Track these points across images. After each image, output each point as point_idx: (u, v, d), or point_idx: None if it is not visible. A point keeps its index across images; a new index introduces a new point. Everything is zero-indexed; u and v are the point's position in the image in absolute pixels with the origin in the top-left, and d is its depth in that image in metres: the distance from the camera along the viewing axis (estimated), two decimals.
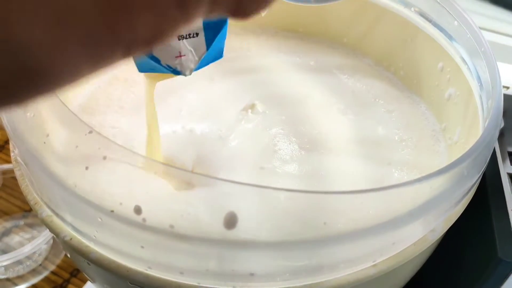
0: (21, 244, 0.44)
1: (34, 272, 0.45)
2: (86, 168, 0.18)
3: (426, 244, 0.20)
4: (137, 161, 0.17)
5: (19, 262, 0.45)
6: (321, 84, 0.34)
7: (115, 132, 0.29)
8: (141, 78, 0.34)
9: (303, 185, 0.25)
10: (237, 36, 0.38)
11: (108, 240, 0.18)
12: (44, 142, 0.19)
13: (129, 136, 0.28)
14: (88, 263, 0.20)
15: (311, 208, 0.17)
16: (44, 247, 0.46)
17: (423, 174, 0.28)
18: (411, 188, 0.17)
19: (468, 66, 0.27)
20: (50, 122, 0.19)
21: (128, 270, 0.19)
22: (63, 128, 0.19)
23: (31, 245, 0.43)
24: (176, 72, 0.20)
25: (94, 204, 0.17)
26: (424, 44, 0.30)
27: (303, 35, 0.38)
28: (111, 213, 0.17)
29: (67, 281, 0.45)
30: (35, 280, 0.44)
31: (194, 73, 0.35)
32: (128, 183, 0.17)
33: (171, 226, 0.17)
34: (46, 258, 0.46)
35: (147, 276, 0.18)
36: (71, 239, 0.20)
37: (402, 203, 0.18)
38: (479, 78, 0.25)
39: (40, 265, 0.46)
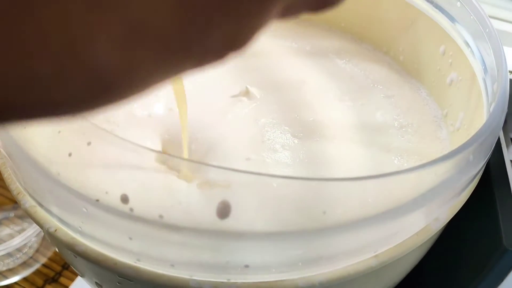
0: (11, 237, 0.43)
1: (25, 265, 0.44)
2: (70, 154, 0.17)
3: (429, 233, 0.19)
4: (124, 147, 0.16)
5: (9, 255, 0.43)
6: (318, 69, 0.32)
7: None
8: None
9: (296, 175, 0.24)
10: None
11: (95, 232, 0.17)
12: (25, 128, 0.18)
13: (124, 130, 0.27)
14: (74, 255, 0.19)
15: (309, 196, 0.16)
16: (35, 239, 0.45)
17: (424, 161, 0.27)
18: (415, 175, 0.16)
19: (471, 49, 0.26)
20: None
21: (116, 262, 0.18)
22: None
23: (21, 237, 0.42)
24: None
25: (78, 193, 0.16)
26: (425, 27, 0.29)
27: (300, 19, 0.37)
28: (96, 202, 0.16)
29: (59, 273, 0.44)
30: (26, 273, 0.43)
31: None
32: (114, 171, 0.16)
33: (161, 216, 0.16)
34: (37, 251, 0.45)
35: (136, 269, 0.17)
36: (56, 230, 0.19)
37: (404, 191, 0.17)
38: (483, 61, 0.24)
39: (31, 257, 0.45)
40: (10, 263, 0.44)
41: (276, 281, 0.17)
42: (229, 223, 0.16)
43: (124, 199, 0.16)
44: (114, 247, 0.17)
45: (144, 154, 0.16)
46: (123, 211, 0.16)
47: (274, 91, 0.29)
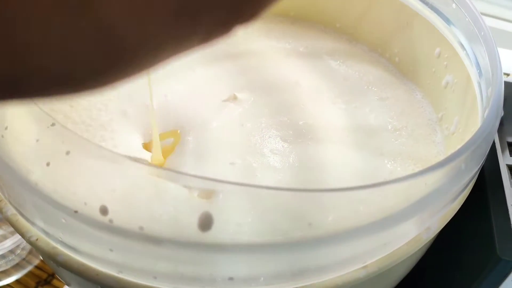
0: (4, 238, 0.43)
1: (17, 266, 0.43)
2: (47, 164, 0.16)
3: (420, 243, 0.18)
4: (103, 156, 0.15)
5: (2, 257, 0.43)
6: (311, 71, 0.32)
7: (92, 127, 0.27)
8: None
9: (285, 181, 0.23)
10: None
11: (75, 242, 0.17)
12: (2, 136, 0.17)
13: (103, 130, 0.27)
14: (57, 265, 0.19)
15: (294, 207, 0.16)
16: None
17: (418, 165, 0.27)
18: (405, 184, 0.16)
19: (466, 51, 0.25)
20: (9, 114, 0.18)
21: (98, 273, 0.17)
22: (23, 120, 0.17)
23: (13, 239, 0.42)
24: None
25: (57, 203, 0.16)
26: (421, 28, 0.29)
27: (294, 19, 0.36)
28: (75, 213, 0.15)
29: (52, 275, 0.43)
30: (19, 275, 0.43)
31: (181, 59, 0.33)
32: (93, 181, 0.16)
33: (141, 228, 0.15)
34: (30, 252, 0.44)
35: (118, 281, 0.17)
36: (37, 239, 0.18)
37: (394, 201, 0.17)
38: (478, 64, 0.24)
39: (24, 259, 0.44)
40: (3, 264, 0.43)
41: None
42: (212, 235, 0.15)
43: (103, 210, 0.15)
44: (95, 258, 0.17)
45: (123, 163, 0.15)
46: (102, 223, 0.15)
47: (265, 93, 0.29)
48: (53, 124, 0.16)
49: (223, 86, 0.30)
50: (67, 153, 0.15)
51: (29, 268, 0.44)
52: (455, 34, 0.26)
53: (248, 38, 0.35)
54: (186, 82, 0.30)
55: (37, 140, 0.16)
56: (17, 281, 0.43)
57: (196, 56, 0.33)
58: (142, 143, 0.26)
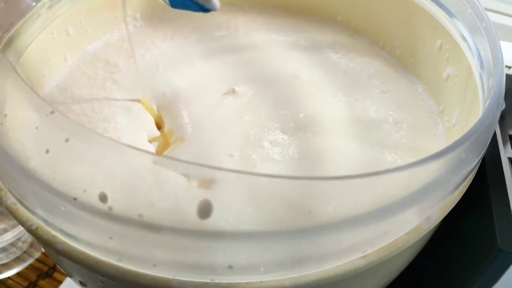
0: (5, 231, 0.43)
1: (18, 259, 0.44)
2: (47, 151, 0.16)
3: (420, 233, 0.18)
4: (103, 144, 0.15)
5: (3, 249, 0.43)
6: (311, 64, 0.32)
7: (94, 119, 0.27)
8: (123, 61, 0.33)
9: (285, 173, 0.23)
10: (224, 14, 0.36)
11: (75, 230, 0.17)
12: (1, 123, 0.17)
13: (106, 123, 0.27)
14: (56, 254, 0.19)
15: (295, 195, 0.16)
16: (29, 234, 0.45)
17: (418, 158, 0.26)
18: (405, 173, 0.16)
19: (468, 43, 0.25)
20: (8, 101, 0.18)
21: (98, 261, 0.17)
22: (22, 108, 0.17)
23: (14, 231, 0.42)
24: (205, 9, 0.20)
25: (56, 191, 0.16)
26: (422, 20, 0.28)
27: (295, 12, 0.36)
28: (74, 201, 0.15)
29: (53, 268, 0.43)
30: (19, 267, 0.43)
31: (178, 52, 0.34)
32: (92, 168, 0.16)
33: (140, 216, 0.15)
34: (31, 245, 0.44)
35: (118, 269, 0.17)
36: (37, 228, 0.18)
37: (394, 190, 0.16)
38: (479, 56, 0.24)
39: (25, 252, 0.44)
40: (4, 257, 0.43)
41: (261, 282, 0.17)
42: (211, 222, 0.15)
43: (103, 197, 0.15)
44: (95, 246, 0.17)
45: (123, 151, 0.15)
46: (101, 210, 0.15)
47: (265, 87, 0.29)
48: (52, 112, 0.16)
49: (222, 80, 0.30)
50: (66, 140, 0.15)
51: (30, 261, 0.44)
52: (457, 26, 0.26)
53: (248, 31, 0.35)
54: (185, 76, 0.30)
55: (36, 128, 0.16)
56: (18, 274, 0.43)
57: (196, 49, 0.33)
58: (148, 139, 0.26)
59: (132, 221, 0.15)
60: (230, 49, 0.33)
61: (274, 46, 0.33)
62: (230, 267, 0.16)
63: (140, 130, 0.27)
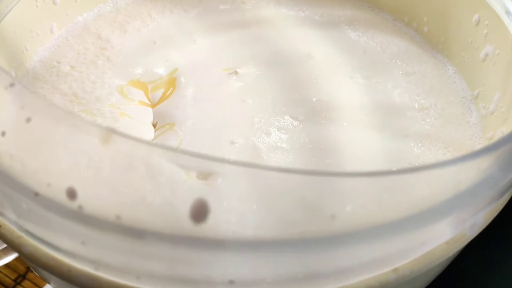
0: None
1: (6, 250, 0.41)
2: (2, 134, 0.13)
3: (462, 242, 0.15)
4: (73, 125, 0.12)
5: None
6: (327, 42, 0.29)
7: (85, 100, 0.24)
8: (116, 36, 0.29)
9: (295, 165, 0.21)
10: None
11: (40, 232, 0.14)
12: None
13: (101, 107, 0.24)
14: (25, 258, 0.16)
15: (311, 195, 0.12)
16: None
17: (449, 149, 0.23)
18: (453, 169, 0.13)
19: None
20: None
21: (71, 269, 0.14)
22: None
23: None
24: None
25: (14, 183, 0.12)
26: None
27: None
28: (36, 197, 0.12)
29: None
30: (8, 259, 0.40)
31: (177, 27, 0.30)
32: (59, 156, 0.13)
33: (118, 217, 0.12)
34: None
35: (95, 279, 0.14)
36: (0, 226, 0.15)
37: (436, 190, 0.13)
38: None
39: None
40: None
41: None
42: (207, 227, 0.12)
43: (71, 193, 0.12)
44: (66, 251, 0.14)
45: (98, 135, 0.12)
46: (69, 209, 0.12)
47: (273, 67, 0.26)
48: (12, 85, 0.13)
49: (225, 59, 0.27)
50: (28, 120, 0.12)
51: None
52: None
53: (256, 5, 0.32)
54: (184, 54, 0.27)
55: None
56: (6, 265, 0.40)
57: (197, 24, 0.30)
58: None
59: (108, 224, 0.12)
60: (235, 24, 0.30)
61: (285, 21, 0.30)
62: (231, 282, 0.13)
63: (139, 115, 0.24)
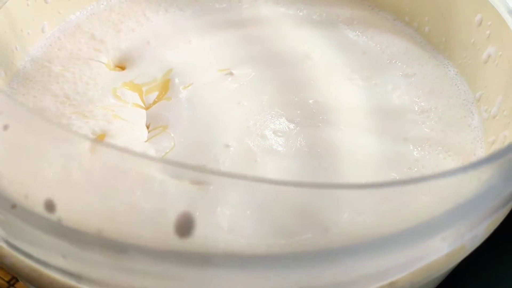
0: None
1: None
2: None
3: (462, 254, 0.14)
4: (53, 135, 0.12)
5: None
6: (325, 42, 0.28)
7: (77, 101, 0.24)
8: (110, 37, 0.29)
9: (291, 169, 0.21)
10: None
11: (19, 243, 0.13)
12: None
13: (93, 109, 0.23)
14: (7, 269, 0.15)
15: (304, 208, 0.12)
16: None
17: (450, 153, 0.23)
18: (453, 180, 0.12)
19: None
20: None
21: (52, 282, 0.14)
22: None
23: None
24: None
25: None
26: None
27: None
28: (13, 209, 0.12)
29: None
30: None
31: (172, 27, 0.30)
32: (37, 166, 0.12)
33: (99, 230, 0.11)
34: None
35: None
36: None
37: (434, 202, 0.13)
38: None
39: None
40: None
41: None
42: (194, 242, 0.11)
43: (49, 205, 0.11)
44: (47, 264, 0.13)
45: (78, 144, 0.11)
46: (48, 222, 0.11)
47: (269, 68, 0.26)
48: None
49: (221, 59, 0.27)
50: (5, 128, 0.12)
51: None
52: None
53: (253, 4, 0.31)
54: (178, 55, 0.27)
55: None
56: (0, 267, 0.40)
57: (192, 24, 0.29)
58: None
59: (88, 237, 0.11)
60: (231, 23, 0.30)
61: (283, 21, 0.30)
62: None
63: (132, 117, 0.24)
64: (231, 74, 0.25)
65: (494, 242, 0.19)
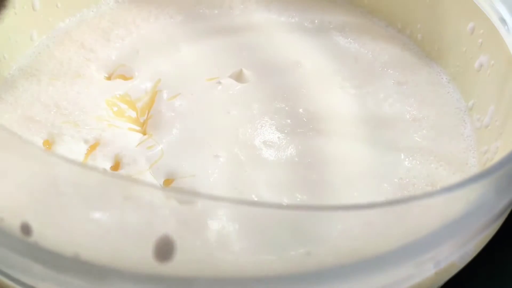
0: None
1: None
2: None
3: (452, 271, 0.14)
4: (28, 153, 0.11)
5: None
6: (316, 49, 0.28)
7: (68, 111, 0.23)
8: (100, 45, 0.28)
9: (281, 179, 0.21)
10: None
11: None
12: None
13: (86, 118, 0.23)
14: None
15: (287, 229, 0.11)
16: None
17: (441, 163, 0.22)
18: (440, 200, 0.12)
19: (508, 26, 0.21)
20: None
21: None
22: None
23: None
24: None
25: None
26: None
27: None
28: None
29: None
30: None
31: (162, 35, 0.29)
32: (11, 186, 0.12)
33: (76, 254, 0.11)
34: None
35: None
36: None
37: (423, 221, 0.12)
38: None
39: None
40: None
41: None
42: (174, 267, 0.11)
43: (25, 228, 0.11)
44: (27, 285, 0.13)
45: (56, 165, 0.11)
46: (24, 246, 0.11)
47: (261, 75, 0.26)
48: None
49: (210, 68, 0.27)
50: None
51: None
52: (494, 5, 0.22)
53: (244, 11, 0.31)
54: (167, 64, 0.27)
55: None
56: None
57: (182, 31, 0.29)
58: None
59: (65, 261, 0.11)
60: (222, 31, 0.29)
61: (274, 28, 0.30)
62: None
63: (125, 130, 0.23)
64: (220, 83, 0.25)
65: (494, 242, 0.19)
